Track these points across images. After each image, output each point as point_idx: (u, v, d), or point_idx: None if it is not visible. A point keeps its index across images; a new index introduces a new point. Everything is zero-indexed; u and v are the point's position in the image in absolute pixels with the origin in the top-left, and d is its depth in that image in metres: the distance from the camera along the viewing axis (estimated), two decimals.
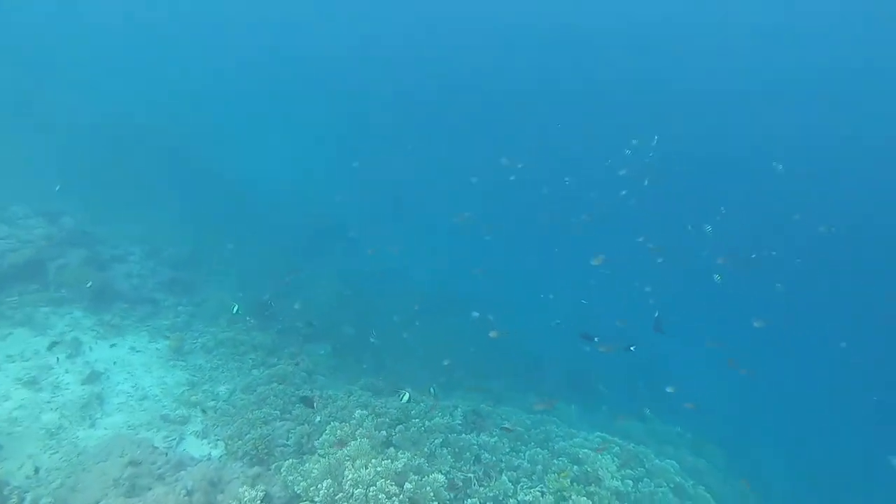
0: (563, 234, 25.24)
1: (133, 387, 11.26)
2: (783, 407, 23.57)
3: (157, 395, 11.21)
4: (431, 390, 11.49)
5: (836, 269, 33.17)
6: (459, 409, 11.47)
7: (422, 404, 11.10)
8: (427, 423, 10.42)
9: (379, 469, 8.37)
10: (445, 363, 12.12)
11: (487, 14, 50.01)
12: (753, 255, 20.99)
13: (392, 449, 9.32)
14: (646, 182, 19.65)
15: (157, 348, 12.90)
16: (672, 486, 9.83)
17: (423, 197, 33.89)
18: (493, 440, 10.37)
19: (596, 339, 10.97)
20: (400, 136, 43.31)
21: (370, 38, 57.38)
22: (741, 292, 22.61)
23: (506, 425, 11.02)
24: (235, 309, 13.62)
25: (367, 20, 55.52)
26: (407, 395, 10.72)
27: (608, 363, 17.44)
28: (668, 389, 12.04)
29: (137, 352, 12.47)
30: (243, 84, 52.60)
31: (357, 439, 9.26)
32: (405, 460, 8.88)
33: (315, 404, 10.30)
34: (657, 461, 10.35)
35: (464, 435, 10.39)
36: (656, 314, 11.41)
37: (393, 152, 38.25)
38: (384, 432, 9.69)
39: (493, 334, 12.04)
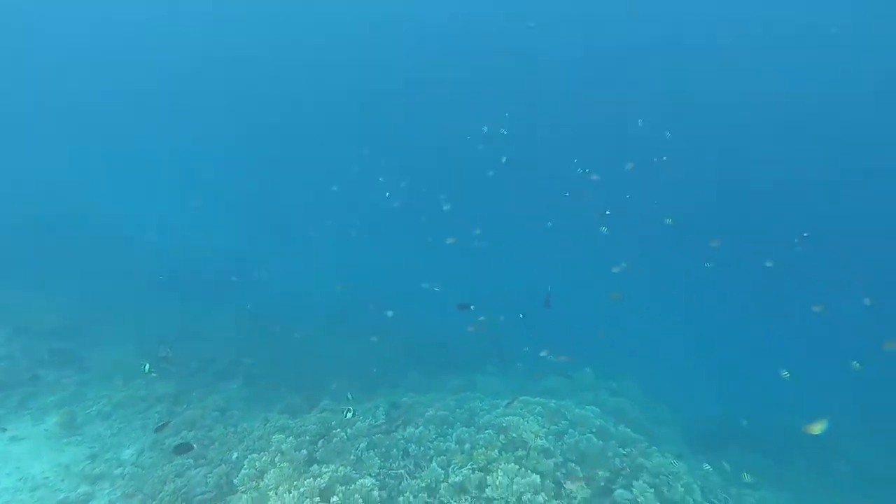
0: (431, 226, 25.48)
1: (20, 479, 10.15)
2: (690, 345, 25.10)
3: (51, 481, 10.19)
4: (348, 396, 11.28)
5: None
6: (381, 409, 11.34)
7: (342, 413, 10.87)
8: (349, 430, 10.21)
9: (303, 490, 8.12)
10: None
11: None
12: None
13: (316, 466, 9.06)
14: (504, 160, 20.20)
15: (44, 429, 11.73)
16: (594, 430, 10.18)
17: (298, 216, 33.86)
18: (418, 430, 10.32)
19: (472, 307, 11.17)
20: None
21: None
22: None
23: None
24: (147, 368, 12.51)
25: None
26: (351, 411, 10.55)
27: (513, 332, 17.98)
28: (542, 353, 12.66)
29: (20, 440, 11.26)
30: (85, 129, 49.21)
31: (276, 466, 8.94)
32: (330, 473, 8.67)
33: (193, 447, 9.68)
34: (577, 410, 10.70)
35: (389, 433, 10.28)
36: (549, 289, 11.77)
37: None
38: (304, 451, 9.38)
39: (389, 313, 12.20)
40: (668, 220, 16.19)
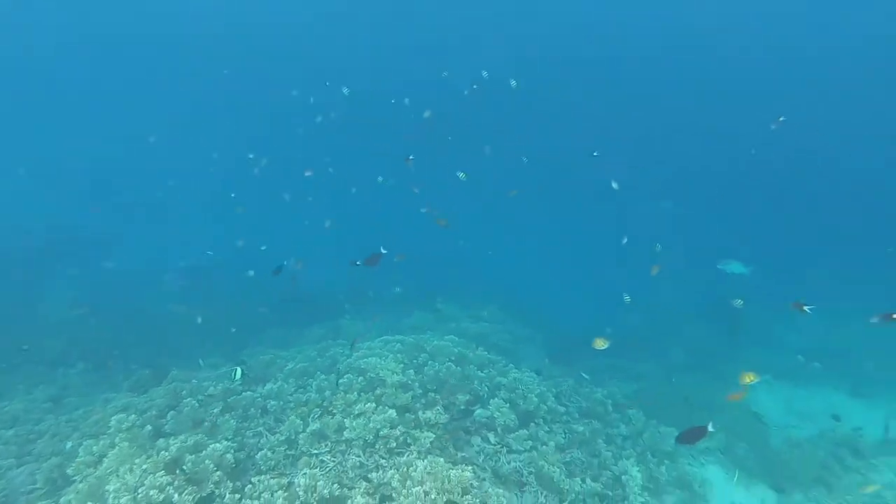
0: None
1: None
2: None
3: None
4: (200, 362, 10.60)
5: None
6: (239, 370, 10.78)
7: (193, 381, 10.22)
8: (201, 396, 9.62)
9: (145, 466, 7.52)
10: (199, 320, 11.05)
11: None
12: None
13: (163, 440, 8.44)
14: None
15: None
16: (453, 358, 10.41)
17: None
18: (276, 386, 9.97)
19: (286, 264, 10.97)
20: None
21: None
22: None
23: None
24: None
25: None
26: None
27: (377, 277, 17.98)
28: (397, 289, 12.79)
29: None
30: None
31: (116, 447, 8.20)
32: (178, 444, 8.11)
33: None
34: (436, 342, 10.87)
35: (246, 392, 9.81)
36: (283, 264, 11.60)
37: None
38: (149, 427, 8.70)
39: None
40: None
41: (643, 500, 8.28)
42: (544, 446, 8.78)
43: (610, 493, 8.36)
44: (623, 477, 8.64)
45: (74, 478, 8.05)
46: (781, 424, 11.73)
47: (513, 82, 14.38)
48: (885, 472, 9.61)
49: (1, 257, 19.11)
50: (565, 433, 9.39)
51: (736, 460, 10.21)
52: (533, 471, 8.33)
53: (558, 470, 8.31)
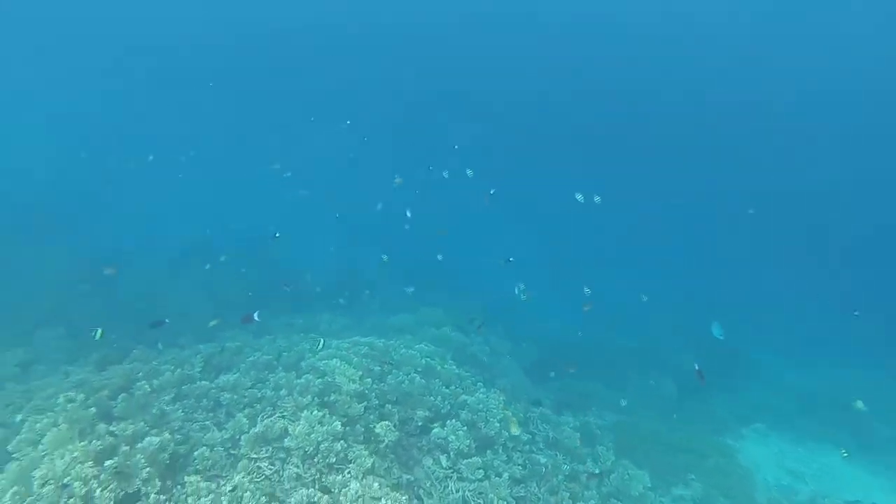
0: None
1: None
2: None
3: None
4: (159, 346, 10.39)
5: None
6: (200, 356, 10.55)
7: (152, 363, 10.01)
8: (155, 382, 9.40)
9: (76, 454, 7.30)
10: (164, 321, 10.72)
11: None
12: None
13: (104, 424, 8.24)
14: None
15: None
16: (420, 369, 10.01)
17: None
18: (233, 377, 9.69)
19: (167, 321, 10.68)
20: None
21: None
22: None
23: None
24: None
25: None
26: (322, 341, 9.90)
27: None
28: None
29: None
30: None
31: (56, 427, 8.02)
32: (116, 432, 7.91)
33: None
34: (405, 350, 10.47)
35: (201, 382, 9.56)
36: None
37: None
38: (94, 409, 8.49)
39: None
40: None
41: None
42: (497, 477, 8.34)
43: None
44: None
45: (14, 455, 7.90)
46: (769, 482, 11.02)
47: None
48: None
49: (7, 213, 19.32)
50: (525, 464, 8.93)
51: None
52: (481, 502, 7.91)
53: None
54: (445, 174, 13.39)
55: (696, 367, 8.99)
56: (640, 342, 16.42)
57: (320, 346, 10.46)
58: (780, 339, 16.79)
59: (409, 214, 14.51)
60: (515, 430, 8.71)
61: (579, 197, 11.62)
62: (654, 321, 17.61)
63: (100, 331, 10.17)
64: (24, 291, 14.68)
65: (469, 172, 15.29)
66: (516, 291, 11.33)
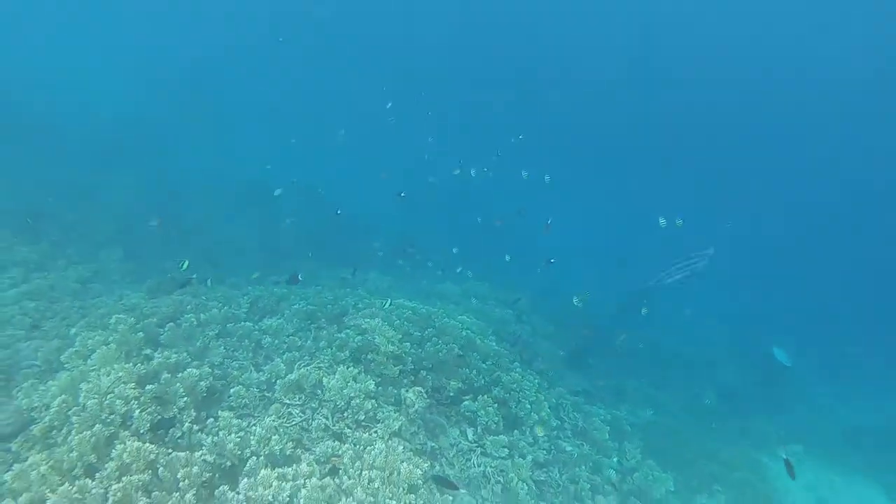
0: None
1: None
2: None
3: None
4: (208, 283, 10.65)
5: None
6: (247, 298, 10.78)
7: (201, 298, 10.31)
8: (203, 315, 9.67)
9: (121, 374, 7.59)
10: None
11: None
12: None
13: (150, 350, 8.55)
14: None
15: None
16: (459, 341, 9.92)
17: None
18: (276, 322, 9.86)
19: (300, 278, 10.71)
20: None
21: None
22: None
23: None
24: None
25: None
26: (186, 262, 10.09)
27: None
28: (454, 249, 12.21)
29: None
30: None
31: (107, 345, 8.37)
32: (161, 359, 8.18)
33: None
34: (447, 319, 10.38)
35: (244, 322, 9.78)
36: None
37: None
38: (142, 333, 8.81)
39: None
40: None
41: None
42: (521, 458, 8.24)
43: None
44: None
45: (66, 365, 8.30)
46: None
47: None
48: None
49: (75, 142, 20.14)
50: (550, 450, 8.79)
51: None
52: (501, 481, 7.84)
53: (526, 487, 7.78)
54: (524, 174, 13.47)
55: (785, 457, 8.47)
56: (693, 348, 15.84)
57: (387, 304, 10.58)
58: (838, 368, 15.89)
59: (402, 195, 14.58)
60: (541, 433, 8.56)
61: (662, 221, 11.48)
62: (710, 332, 17.01)
63: (186, 262, 10.62)
64: (94, 214, 15.35)
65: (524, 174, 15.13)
66: (574, 300, 11.10)
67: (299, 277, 10.11)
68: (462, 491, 6.55)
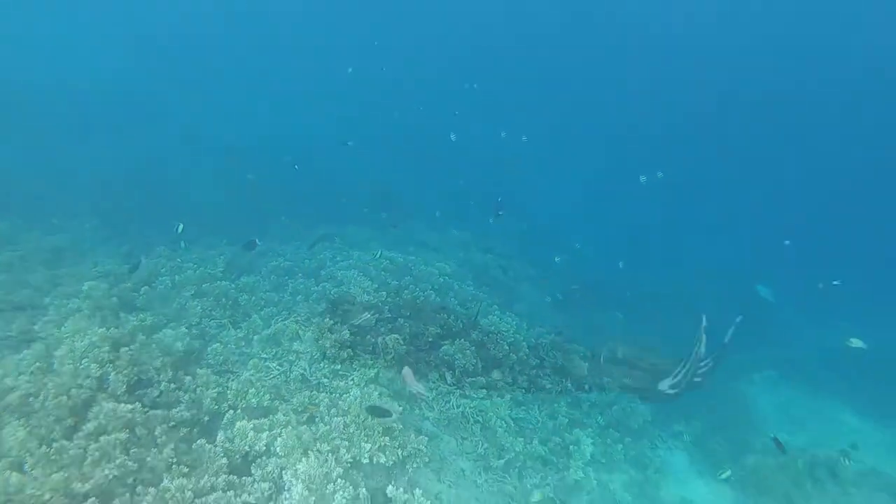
0: None
1: None
2: None
3: None
4: (182, 244, 10.57)
5: None
6: (223, 258, 10.73)
7: (177, 261, 10.25)
8: (177, 277, 9.64)
9: (94, 339, 7.60)
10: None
11: None
12: None
13: (124, 314, 8.55)
14: None
15: None
16: (436, 287, 9.95)
17: None
18: (253, 280, 9.84)
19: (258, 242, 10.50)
20: None
21: None
22: None
23: None
24: None
25: None
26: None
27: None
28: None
29: None
30: None
31: (80, 311, 8.36)
32: (136, 322, 8.19)
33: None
34: (424, 267, 10.39)
35: (221, 282, 9.75)
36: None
37: None
38: (115, 298, 8.79)
39: None
40: None
41: (583, 473, 7.83)
42: (500, 398, 8.39)
43: (554, 460, 7.97)
44: (572, 447, 8.18)
45: (39, 333, 8.30)
46: (769, 427, 10.81)
47: None
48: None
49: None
50: (529, 388, 8.94)
51: (706, 452, 9.56)
52: (480, 420, 8.00)
53: (505, 424, 7.95)
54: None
55: (773, 437, 8.47)
56: (675, 289, 15.90)
57: (378, 255, 10.58)
58: (819, 303, 15.97)
59: (350, 143, 14.65)
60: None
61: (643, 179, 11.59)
62: (693, 273, 17.18)
63: (181, 225, 10.53)
64: (70, 184, 15.11)
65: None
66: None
67: (257, 242, 10.02)
68: (394, 416, 6.62)
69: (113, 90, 24.73)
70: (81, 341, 7.59)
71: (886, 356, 12.22)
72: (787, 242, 17.38)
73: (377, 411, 6.57)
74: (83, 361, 7.17)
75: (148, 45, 32.83)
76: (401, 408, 7.18)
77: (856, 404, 11.75)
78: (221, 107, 27.09)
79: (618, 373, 10.19)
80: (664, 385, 9.75)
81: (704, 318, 9.46)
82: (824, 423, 11.14)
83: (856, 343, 9.29)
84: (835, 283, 12.92)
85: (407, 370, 7.09)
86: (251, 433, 6.34)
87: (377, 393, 7.25)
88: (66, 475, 5.68)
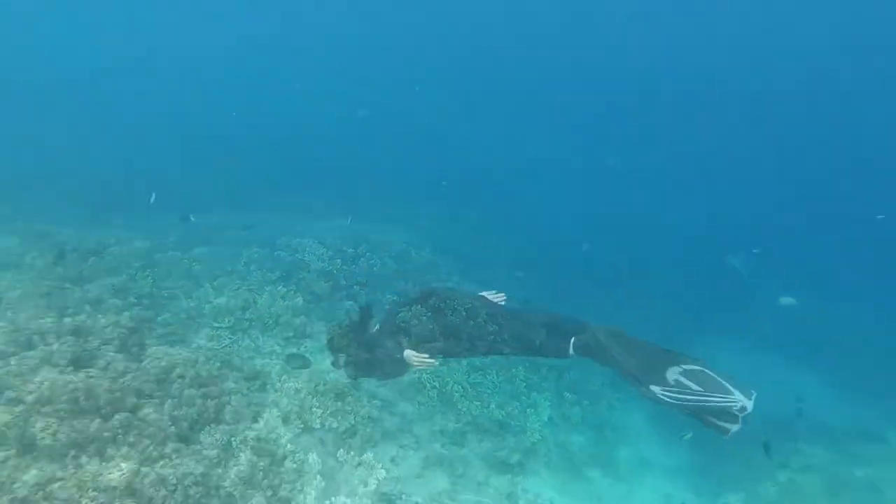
0: None
1: None
2: None
3: None
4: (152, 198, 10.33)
5: None
6: (176, 231, 10.49)
7: (122, 233, 9.98)
8: (126, 247, 9.39)
9: (38, 310, 7.37)
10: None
11: None
12: None
13: (70, 285, 8.30)
14: None
15: None
16: (394, 255, 9.88)
17: None
18: (206, 250, 9.65)
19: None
20: None
21: None
22: None
23: None
24: None
25: None
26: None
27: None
28: None
29: None
30: None
31: (20, 283, 8.09)
32: (81, 293, 7.96)
33: None
34: (381, 235, 10.30)
35: (173, 252, 9.54)
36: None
37: None
38: (61, 269, 8.53)
39: None
40: None
41: (540, 435, 7.94)
42: (457, 363, 8.40)
43: (511, 423, 8.05)
44: (528, 409, 8.28)
45: None
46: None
47: None
48: (807, 459, 9.07)
49: None
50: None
51: (667, 414, 9.75)
52: (437, 386, 8.02)
53: (461, 389, 7.99)
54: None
55: (764, 442, 8.22)
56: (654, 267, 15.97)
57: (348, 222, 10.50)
58: (795, 273, 16.21)
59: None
60: None
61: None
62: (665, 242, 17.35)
63: (154, 195, 10.18)
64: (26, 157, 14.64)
65: None
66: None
67: (191, 218, 9.84)
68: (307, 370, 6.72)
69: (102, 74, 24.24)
70: (24, 313, 7.38)
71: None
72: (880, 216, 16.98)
73: (296, 359, 6.65)
74: (24, 332, 6.96)
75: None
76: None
77: (819, 369, 12.11)
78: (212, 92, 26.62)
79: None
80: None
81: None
82: (783, 387, 11.37)
83: (786, 301, 9.50)
84: (754, 251, 13.26)
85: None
86: (199, 401, 6.24)
87: (329, 360, 7.18)
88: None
